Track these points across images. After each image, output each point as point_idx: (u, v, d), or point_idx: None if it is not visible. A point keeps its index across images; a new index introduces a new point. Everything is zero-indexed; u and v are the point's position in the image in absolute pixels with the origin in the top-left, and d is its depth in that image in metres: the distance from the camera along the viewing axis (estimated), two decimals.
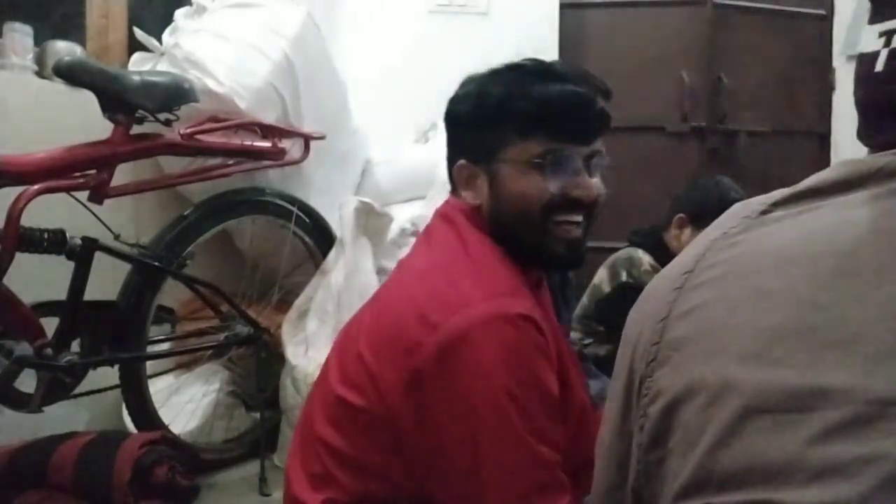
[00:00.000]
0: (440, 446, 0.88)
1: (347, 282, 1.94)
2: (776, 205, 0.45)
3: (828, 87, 3.18)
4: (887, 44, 0.44)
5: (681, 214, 1.97)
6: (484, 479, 0.85)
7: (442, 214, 1.06)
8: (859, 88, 0.47)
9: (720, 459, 0.38)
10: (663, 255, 1.95)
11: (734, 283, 0.43)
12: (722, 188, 1.97)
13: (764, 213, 0.45)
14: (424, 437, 0.89)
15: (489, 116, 1.00)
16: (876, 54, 0.45)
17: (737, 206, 0.49)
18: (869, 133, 0.47)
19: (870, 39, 0.46)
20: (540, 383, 0.88)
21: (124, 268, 1.76)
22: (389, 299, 1.00)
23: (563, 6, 2.92)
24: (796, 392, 0.36)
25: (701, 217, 1.94)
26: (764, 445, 0.36)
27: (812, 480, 0.34)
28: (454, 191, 1.07)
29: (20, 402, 1.55)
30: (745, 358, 0.39)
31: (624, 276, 1.91)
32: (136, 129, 1.68)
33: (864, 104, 0.47)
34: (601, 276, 1.97)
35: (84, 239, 1.59)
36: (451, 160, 1.06)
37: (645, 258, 1.93)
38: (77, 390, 1.64)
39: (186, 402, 1.98)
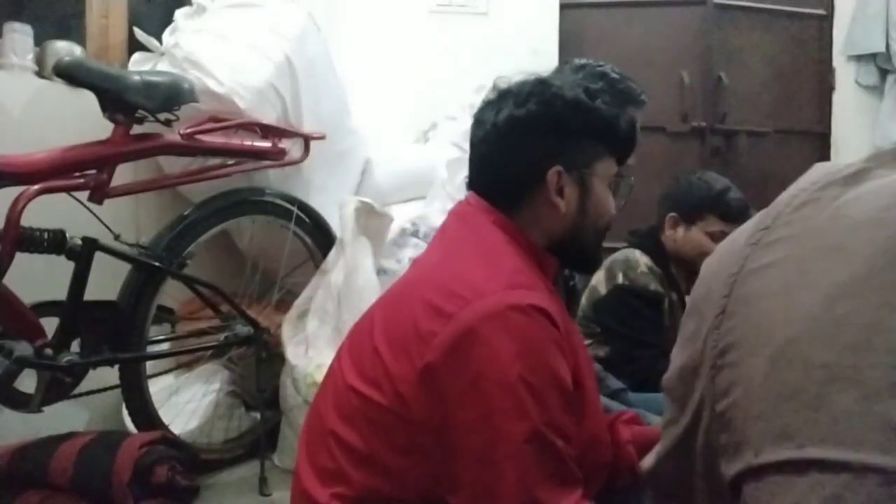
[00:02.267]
0: (453, 438, 0.88)
1: (347, 282, 1.94)
2: (862, 171, 0.45)
3: (828, 87, 3.18)
4: None
5: (672, 214, 1.96)
6: (495, 470, 0.85)
7: (457, 213, 1.07)
8: None
9: (781, 413, 0.38)
10: (661, 256, 1.94)
11: (809, 241, 0.43)
12: (707, 180, 1.94)
13: (850, 174, 0.45)
14: (437, 429, 0.88)
15: (595, 131, 1.02)
16: None
17: (819, 165, 0.49)
18: None
19: None
20: (554, 374, 0.88)
21: (124, 268, 1.76)
22: (404, 295, 0.99)
23: (563, 6, 2.92)
24: (860, 350, 0.36)
25: (692, 214, 1.92)
26: (824, 401, 0.36)
27: (869, 437, 0.34)
28: (518, 193, 1.03)
29: (20, 402, 1.55)
30: (811, 315, 0.39)
31: (620, 279, 1.91)
32: (136, 129, 1.68)
33: None
34: (598, 278, 1.96)
35: (84, 239, 1.59)
36: (536, 164, 1.01)
37: (642, 259, 1.92)
38: (77, 390, 1.64)
39: (186, 402, 1.98)
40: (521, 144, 1.02)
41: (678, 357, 0.51)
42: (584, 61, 1.33)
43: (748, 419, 0.40)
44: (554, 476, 0.86)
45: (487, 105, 1.07)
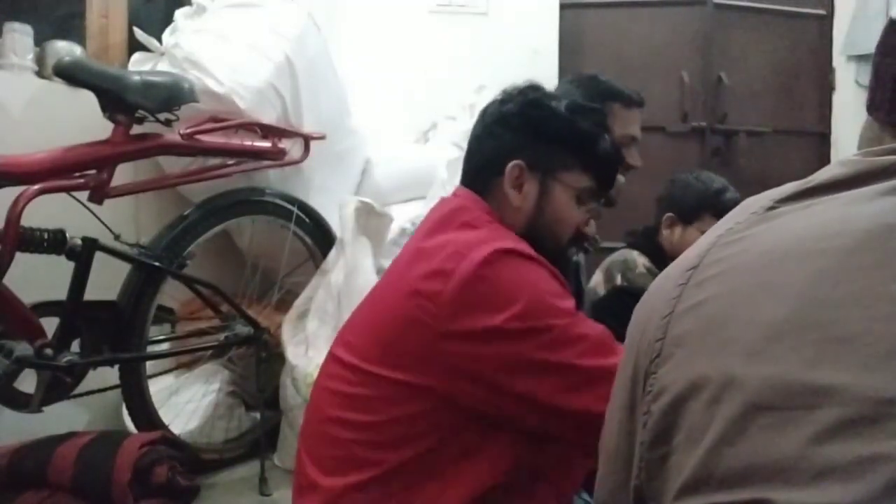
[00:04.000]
0: (500, 379, 0.91)
1: (347, 282, 1.94)
2: (783, 201, 0.45)
3: (828, 87, 3.18)
4: None
5: (669, 214, 1.96)
6: (559, 386, 0.90)
7: (443, 200, 1.12)
8: (889, 60, 0.46)
9: (723, 457, 0.37)
10: (659, 257, 1.94)
11: (738, 278, 0.43)
12: (703, 180, 1.95)
13: (770, 209, 0.45)
14: (477, 380, 0.91)
15: (571, 141, 1.08)
16: None
17: (745, 202, 0.48)
18: (893, 110, 0.46)
19: None
20: (561, 294, 0.95)
21: (124, 268, 1.76)
22: (395, 277, 1.04)
23: (563, 6, 2.92)
24: (799, 389, 0.36)
25: (688, 213, 1.92)
26: (767, 443, 0.36)
27: (814, 480, 0.33)
28: (486, 180, 1.09)
29: (20, 402, 1.55)
30: (748, 354, 0.39)
31: (619, 280, 1.90)
32: (136, 129, 1.68)
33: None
34: (597, 279, 1.96)
35: (84, 239, 1.59)
36: (501, 155, 1.08)
37: (640, 260, 1.92)
38: (77, 390, 1.64)
39: (186, 402, 1.98)
40: (493, 135, 1.10)
41: (614, 409, 0.50)
42: (593, 75, 1.45)
43: (689, 464, 0.39)
44: (598, 348, 0.92)
45: (489, 103, 1.15)
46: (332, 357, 1.05)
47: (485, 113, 1.13)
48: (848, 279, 0.37)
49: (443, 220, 1.06)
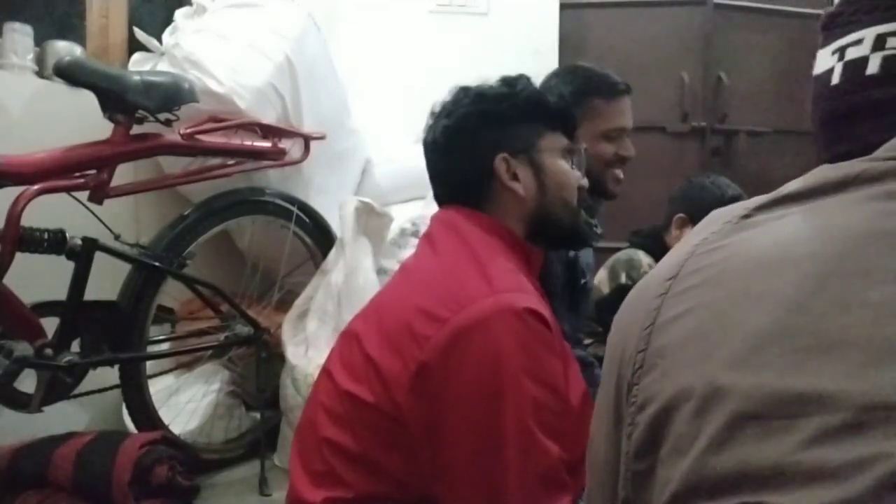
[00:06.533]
0: (447, 436, 0.89)
1: (347, 282, 1.94)
2: (757, 209, 0.45)
3: None
4: (840, 58, 0.47)
5: (680, 214, 1.96)
6: (490, 470, 0.86)
7: (442, 220, 1.09)
8: (818, 108, 0.49)
9: (711, 465, 0.37)
10: (664, 257, 1.94)
11: (720, 287, 0.43)
12: (719, 185, 1.96)
13: (745, 217, 0.45)
14: (429, 428, 0.90)
15: (528, 111, 1.08)
16: (830, 71, 0.48)
17: (716, 212, 0.49)
18: (828, 146, 0.49)
19: (823, 60, 0.49)
20: (548, 376, 0.91)
21: (124, 268, 1.75)
22: (395, 301, 1.02)
23: (563, 6, 2.92)
24: (785, 398, 0.36)
25: (700, 216, 1.94)
26: (755, 451, 0.36)
27: (803, 484, 0.33)
28: (477, 190, 1.07)
29: (20, 402, 1.55)
30: (732, 363, 0.39)
31: (623, 279, 1.91)
32: (136, 129, 1.68)
33: (823, 120, 0.49)
34: (601, 278, 1.96)
35: (84, 239, 1.59)
36: (480, 158, 1.07)
37: (645, 260, 1.92)
38: (77, 390, 1.64)
39: (186, 402, 1.98)
40: (462, 147, 1.09)
41: (600, 422, 0.50)
42: (576, 65, 1.48)
43: (676, 475, 0.39)
44: (545, 479, 0.87)
45: (428, 128, 1.15)
46: (328, 375, 1.04)
47: (435, 136, 1.12)
48: (829, 287, 0.38)
49: (451, 243, 1.03)
